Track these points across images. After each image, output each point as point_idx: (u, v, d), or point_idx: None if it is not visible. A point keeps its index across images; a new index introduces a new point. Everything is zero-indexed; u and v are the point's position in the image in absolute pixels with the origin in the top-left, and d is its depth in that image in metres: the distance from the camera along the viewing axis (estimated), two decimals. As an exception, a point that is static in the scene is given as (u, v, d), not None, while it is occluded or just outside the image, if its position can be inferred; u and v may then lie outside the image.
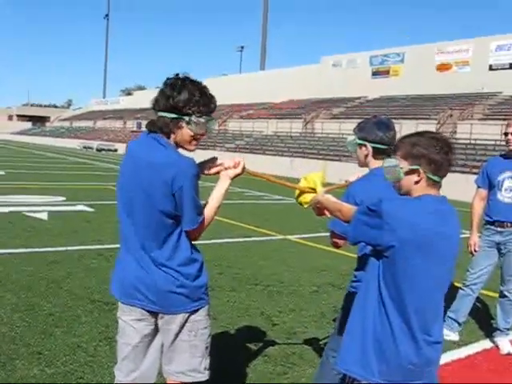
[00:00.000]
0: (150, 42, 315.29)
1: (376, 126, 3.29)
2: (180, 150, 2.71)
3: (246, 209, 14.46)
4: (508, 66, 35.32)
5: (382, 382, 2.36)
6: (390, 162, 2.47)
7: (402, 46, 42.43)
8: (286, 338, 4.97)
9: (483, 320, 5.98)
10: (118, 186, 2.74)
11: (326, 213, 2.88)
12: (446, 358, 4.85)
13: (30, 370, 3.96)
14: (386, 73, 42.68)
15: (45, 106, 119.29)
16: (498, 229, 5.19)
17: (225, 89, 56.04)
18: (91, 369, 4.03)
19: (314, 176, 3.08)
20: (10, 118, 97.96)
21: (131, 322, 2.73)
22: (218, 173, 2.92)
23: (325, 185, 3.06)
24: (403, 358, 2.34)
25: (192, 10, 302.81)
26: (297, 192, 3.14)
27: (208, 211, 2.80)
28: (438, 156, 2.36)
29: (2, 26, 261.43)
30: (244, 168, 2.91)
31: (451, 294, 5.95)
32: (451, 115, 32.56)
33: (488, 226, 5.29)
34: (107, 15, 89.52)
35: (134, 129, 54.77)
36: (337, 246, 3.22)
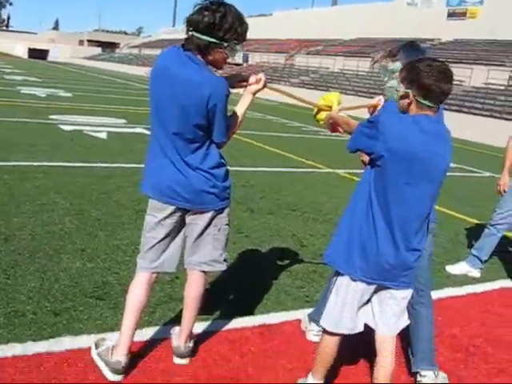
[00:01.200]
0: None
1: (414, 51, 3.40)
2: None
3: (300, 142, 14.65)
4: None
5: (361, 278, 2.67)
6: (392, 83, 2.68)
7: (483, -14, 40.47)
8: (312, 258, 5.28)
9: (505, 261, 6.10)
10: (152, 97, 2.99)
11: (339, 129, 3.11)
12: (461, 291, 5.08)
13: (73, 263, 4.47)
14: (463, 15, 40.95)
15: (115, 33, 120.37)
16: None
17: (295, 23, 55.33)
18: (126, 267, 4.49)
19: (331, 95, 3.29)
20: (81, 43, 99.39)
21: (161, 219, 3.07)
22: (241, 87, 3.16)
23: (340, 104, 3.26)
24: (382, 257, 2.62)
25: None
26: (315, 110, 3.36)
27: (234, 124, 3.08)
28: (428, 81, 2.53)
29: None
30: (265, 84, 3.14)
31: (477, 232, 6.11)
32: (526, 62, 31.22)
33: None
34: None
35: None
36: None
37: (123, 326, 3.11)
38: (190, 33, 2.87)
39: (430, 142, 2.54)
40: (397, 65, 3.36)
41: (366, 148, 2.67)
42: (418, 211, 2.63)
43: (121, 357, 3.04)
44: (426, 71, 2.54)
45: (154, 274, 3.18)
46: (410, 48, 3.45)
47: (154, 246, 3.12)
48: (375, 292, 2.79)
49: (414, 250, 2.68)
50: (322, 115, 3.29)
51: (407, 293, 2.80)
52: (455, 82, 30.65)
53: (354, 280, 2.72)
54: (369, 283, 2.71)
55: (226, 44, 2.86)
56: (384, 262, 2.64)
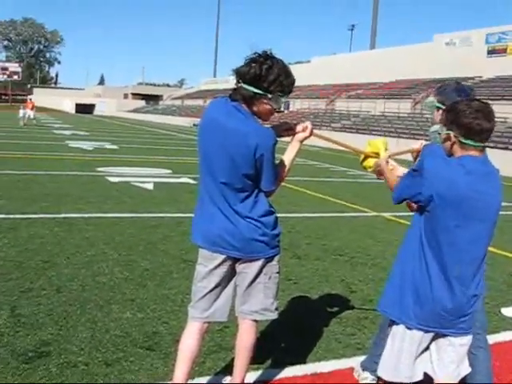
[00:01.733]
0: (259, 21, 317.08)
1: (456, 91, 3.40)
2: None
3: (344, 186, 14.61)
4: None
5: (416, 326, 2.59)
6: (435, 128, 2.68)
7: (522, 22, 40.24)
8: (361, 304, 5.19)
9: None
10: (201, 146, 3.04)
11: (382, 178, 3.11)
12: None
13: (123, 314, 4.51)
14: (503, 51, 40.62)
15: (158, 85, 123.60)
16: None
17: (334, 68, 55.83)
18: (176, 316, 4.50)
19: (378, 142, 3.28)
20: (126, 96, 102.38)
21: (211, 268, 3.09)
22: (289, 135, 3.20)
23: (387, 150, 3.26)
24: (437, 304, 2.55)
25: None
26: (362, 156, 3.35)
27: (282, 172, 3.10)
28: (467, 120, 2.51)
29: (119, 11, 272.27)
30: (312, 132, 3.16)
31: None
32: None
33: None
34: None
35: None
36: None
37: (175, 376, 3.10)
38: (239, 84, 2.95)
39: (476, 183, 2.50)
40: (433, 99, 3.37)
41: (411, 197, 2.66)
42: (472, 253, 2.57)
43: None
44: (464, 110, 2.54)
45: (206, 323, 3.18)
46: (453, 88, 3.44)
47: (205, 295, 3.12)
48: (433, 339, 2.71)
49: (472, 296, 2.60)
50: (370, 162, 3.28)
51: (467, 339, 2.71)
52: (500, 119, 30.37)
53: (410, 328, 2.65)
54: (426, 331, 2.64)
55: (270, 95, 2.91)
56: (440, 309, 2.56)
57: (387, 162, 3.17)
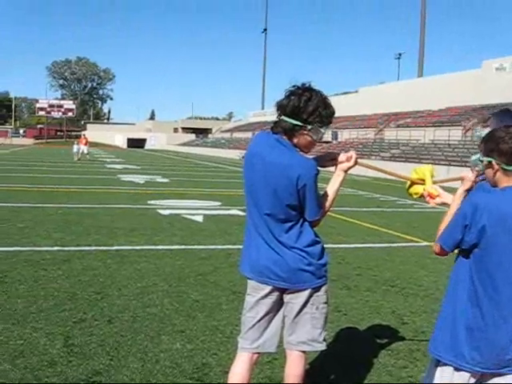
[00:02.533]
0: (306, 52, 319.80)
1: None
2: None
3: (394, 216, 14.41)
4: None
5: (472, 369, 2.51)
6: (474, 156, 2.65)
7: None
8: (413, 336, 5.08)
9: None
10: (246, 180, 3.11)
11: (433, 201, 3.08)
12: None
13: (173, 344, 4.54)
14: (556, 75, 39.82)
15: (207, 119, 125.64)
16: None
17: (382, 97, 55.67)
18: (225, 347, 4.50)
19: (424, 169, 3.27)
20: (176, 130, 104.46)
21: (259, 298, 3.10)
22: (333, 165, 3.20)
23: (433, 177, 3.23)
24: (496, 346, 2.47)
25: (350, 17, 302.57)
26: (408, 183, 3.34)
27: (327, 202, 3.11)
28: (507, 146, 2.48)
29: (169, 46, 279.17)
30: (356, 161, 3.17)
31: None
32: None
33: None
34: (265, 29, 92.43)
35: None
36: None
37: None
38: (279, 117, 3.00)
39: None
40: (485, 130, 3.33)
41: (465, 243, 2.54)
42: None
43: None
44: (502, 137, 2.50)
45: (256, 354, 3.17)
46: (501, 114, 3.40)
47: (254, 325, 3.13)
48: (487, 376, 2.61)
49: None
50: (416, 189, 3.26)
51: None
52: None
53: (459, 370, 2.56)
54: (478, 372, 2.54)
55: (309, 126, 2.94)
56: (500, 351, 2.48)
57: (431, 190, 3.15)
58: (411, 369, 4.37)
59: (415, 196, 3.29)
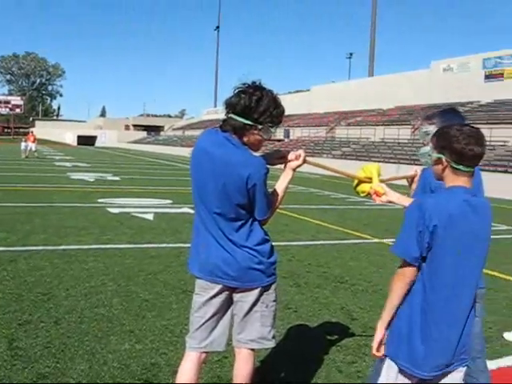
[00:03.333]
0: (258, 50, 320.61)
1: (458, 117, 3.43)
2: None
3: (346, 213, 14.58)
4: None
5: (431, 374, 2.53)
6: (424, 149, 2.69)
7: (518, 47, 40.57)
8: (362, 331, 5.15)
9: None
10: (194, 178, 3.08)
11: (379, 199, 3.11)
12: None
13: (122, 345, 4.48)
14: (500, 75, 40.93)
15: (159, 116, 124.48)
16: None
17: (333, 96, 56.22)
18: (175, 347, 4.46)
19: (371, 167, 3.30)
20: (127, 127, 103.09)
21: (208, 298, 3.08)
22: (281, 163, 3.21)
23: (380, 175, 3.27)
24: (447, 347, 2.52)
25: (301, 17, 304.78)
26: (355, 182, 3.36)
27: (276, 201, 3.10)
28: (459, 146, 2.50)
29: (120, 42, 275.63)
30: (305, 159, 3.18)
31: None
32: None
33: None
34: (218, 27, 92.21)
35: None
36: None
37: None
38: (229, 114, 2.97)
39: (469, 216, 2.49)
40: (431, 128, 3.39)
41: (419, 241, 2.49)
42: (470, 288, 2.56)
43: None
44: (456, 136, 2.52)
45: (204, 353, 3.16)
46: (446, 113, 3.47)
47: (202, 325, 3.11)
48: None
49: (469, 327, 2.58)
50: (363, 187, 3.29)
51: (463, 369, 2.66)
52: (499, 143, 30.45)
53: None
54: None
55: (260, 126, 2.94)
56: (451, 350, 2.53)
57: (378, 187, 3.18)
58: (359, 364, 4.42)
59: (362, 194, 3.32)
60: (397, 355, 2.57)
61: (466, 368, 2.66)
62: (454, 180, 2.56)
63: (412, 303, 2.56)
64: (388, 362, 2.64)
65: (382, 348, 2.60)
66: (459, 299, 2.53)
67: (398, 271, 2.55)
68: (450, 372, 2.60)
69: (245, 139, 2.98)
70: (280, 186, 3.16)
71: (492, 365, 4.47)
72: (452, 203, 2.49)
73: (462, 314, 2.55)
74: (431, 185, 3.20)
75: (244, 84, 2.99)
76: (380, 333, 2.60)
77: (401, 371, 2.57)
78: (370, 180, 3.25)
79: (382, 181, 3.24)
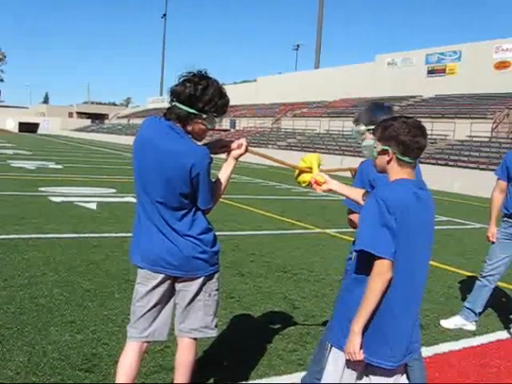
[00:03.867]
0: (206, 40, 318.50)
1: (382, 110, 3.50)
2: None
3: (289, 204, 14.71)
4: None
5: (388, 364, 2.59)
6: (368, 142, 2.74)
7: (459, 43, 41.65)
8: (304, 320, 5.23)
9: (500, 312, 6.07)
10: (137, 167, 3.05)
11: (320, 188, 3.15)
12: (458, 345, 5.03)
13: (62, 336, 4.41)
14: (442, 71, 41.91)
15: (104, 104, 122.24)
16: None
17: (279, 87, 56.43)
18: (116, 337, 4.43)
19: (312, 157, 3.34)
20: (71, 115, 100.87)
21: (151, 288, 3.08)
22: (224, 152, 3.22)
23: (320, 165, 3.31)
24: (404, 339, 2.60)
25: (250, 8, 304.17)
26: (296, 172, 3.40)
27: (218, 190, 3.12)
28: (406, 138, 2.58)
29: (64, 27, 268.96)
30: (247, 148, 3.20)
31: (470, 284, 6.10)
32: (508, 115, 31.85)
33: (505, 219, 5.41)
34: (165, 15, 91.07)
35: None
36: (353, 226, 3.36)
37: None
38: (173, 103, 2.96)
39: (419, 208, 2.56)
40: (362, 127, 3.48)
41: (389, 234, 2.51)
42: (423, 278, 2.64)
43: None
44: (402, 128, 2.59)
45: (145, 343, 3.16)
46: (372, 108, 3.55)
47: (144, 314, 3.11)
48: None
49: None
50: (304, 177, 3.33)
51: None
52: (440, 137, 31.10)
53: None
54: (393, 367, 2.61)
55: (204, 115, 2.94)
56: (408, 343, 2.61)
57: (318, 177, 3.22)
58: (301, 352, 4.49)
59: (303, 184, 3.36)
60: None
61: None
62: (399, 172, 2.63)
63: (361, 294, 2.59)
64: (335, 351, 2.70)
65: (361, 352, 2.55)
66: (414, 292, 2.61)
67: (374, 272, 2.48)
68: (406, 361, 2.68)
69: (189, 128, 2.97)
70: (223, 175, 3.17)
71: (429, 351, 4.63)
72: (406, 196, 2.55)
73: (416, 305, 2.64)
74: (369, 177, 3.27)
75: (189, 73, 2.98)
76: (359, 337, 2.52)
77: (349, 360, 2.61)
78: (310, 170, 3.29)
79: (322, 171, 3.29)
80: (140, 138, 3.04)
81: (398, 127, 2.60)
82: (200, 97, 2.90)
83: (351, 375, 2.66)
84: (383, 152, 2.65)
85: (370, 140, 2.73)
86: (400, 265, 2.51)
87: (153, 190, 2.96)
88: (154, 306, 3.11)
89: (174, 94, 2.96)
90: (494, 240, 5.41)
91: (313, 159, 3.30)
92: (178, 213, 2.97)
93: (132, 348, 3.13)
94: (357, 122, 3.53)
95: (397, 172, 2.64)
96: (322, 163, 3.35)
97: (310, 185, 3.30)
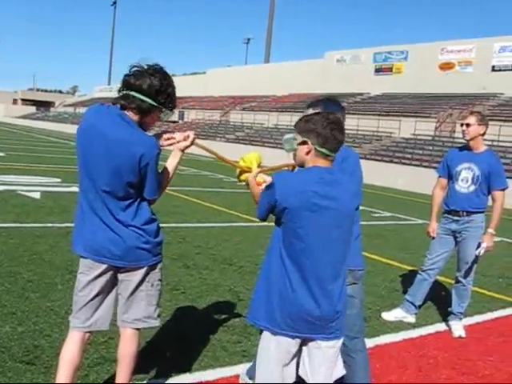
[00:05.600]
0: (156, 30, 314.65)
1: (334, 105, 3.58)
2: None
3: (236, 197, 14.73)
4: (511, 68, 35.36)
5: (281, 331, 2.70)
6: (289, 135, 2.85)
7: (406, 43, 42.51)
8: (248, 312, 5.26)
9: (439, 305, 6.27)
10: (82, 155, 3.01)
11: (259, 188, 3.19)
12: (398, 337, 5.18)
13: (3, 328, 4.32)
14: (389, 70, 42.74)
15: (50, 92, 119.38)
16: (455, 217, 5.47)
17: (229, 80, 56.39)
18: (59, 329, 4.37)
19: (251, 156, 3.36)
20: (15, 101, 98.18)
21: (93, 277, 3.06)
22: (170, 145, 3.22)
23: (260, 164, 3.34)
24: (302, 310, 2.67)
25: (202, 0, 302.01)
26: (237, 171, 3.43)
27: (164, 180, 3.14)
28: (324, 131, 2.71)
29: (9, 10, 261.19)
30: (193, 141, 3.21)
31: (411, 278, 6.28)
32: (451, 114, 32.73)
33: (445, 215, 5.59)
34: (115, 3, 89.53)
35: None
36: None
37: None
38: (130, 93, 2.96)
39: (325, 190, 2.67)
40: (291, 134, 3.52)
41: (268, 211, 2.78)
42: (328, 259, 2.71)
43: None
44: (322, 121, 2.73)
45: (88, 333, 3.14)
46: (327, 104, 3.62)
47: (86, 304, 3.09)
48: (304, 344, 2.81)
49: (333, 301, 2.73)
50: (245, 176, 3.34)
51: (335, 342, 2.82)
52: (385, 134, 31.72)
53: (275, 334, 2.73)
54: (293, 337, 2.73)
55: (163, 108, 3.02)
56: (306, 315, 2.68)
57: (256, 178, 3.26)
58: (245, 343, 4.54)
59: (244, 183, 3.38)
60: (256, 317, 2.82)
61: (337, 343, 2.83)
62: (316, 162, 2.76)
63: (271, 270, 2.77)
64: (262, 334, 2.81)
65: None
66: (312, 273, 2.70)
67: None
68: (314, 340, 2.76)
69: (143, 119, 3.00)
70: (169, 166, 3.18)
71: (370, 343, 4.74)
72: (304, 180, 2.70)
73: (317, 288, 2.71)
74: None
75: (147, 65, 3.00)
76: None
77: (273, 334, 2.73)
78: (250, 169, 3.32)
79: (263, 170, 3.31)
80: (86, 124, 3.01)
81: (317, 120, 2.74)
82: (164, 91, 2.97)
83: (277, 357, 2.77)
84: (303, 143, 2.77)
85: (290, 134, 2.84)
86: (296, 238, 2.67)
87: (99, 179, 2.93)
88: (97, 296, 3.09)
89: (132, 85, 2.96)
90: (435, 235, 5.58)
91: (252, 159, 3.32)
92: (123, 203, 2.96)
93: (74, 338, 3.11)
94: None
95: (313, 162, 2.77)
96: (263, 161, 3.37)
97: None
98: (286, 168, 3.47)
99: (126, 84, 2.98)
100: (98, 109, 3.06)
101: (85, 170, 3.00)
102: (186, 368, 3.99)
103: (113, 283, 3.13)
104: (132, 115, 2.97)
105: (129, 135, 2.90)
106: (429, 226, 5.66)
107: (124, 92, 2.99)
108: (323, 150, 2.73)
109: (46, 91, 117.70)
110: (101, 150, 2.90)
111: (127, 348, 3.17)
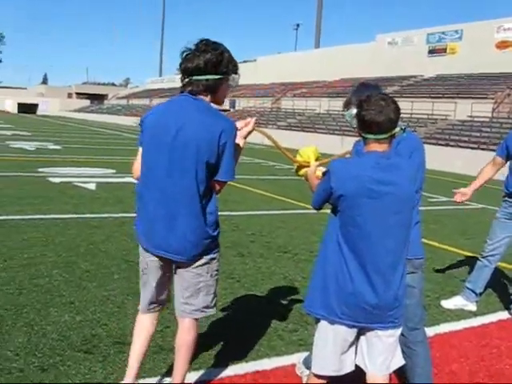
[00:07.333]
0: (204, 20, 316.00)
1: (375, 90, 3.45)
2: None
3: (289, 184, 14.65)
4: None
5: (338, 320, 2.64)
6: (351, 112, 2.83)
7: (461, 23, 41.32)
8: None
9: (501, 292, 6.05)
10: (152, 144, 2.95)
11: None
12: (459, 325, 5.02)
13: (62, 317, 4.39)
14: (443, 51, 41.65)
15: (103, 85, 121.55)
16: None
17: (279, 67, 56.12)
18: (116, 318, 4.41)
19: (308, 150, 3.28)
20: (70, 96, 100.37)
21: (153, 266, 3.12)
22: None
23: (318, 158, 3.26)
24: (360, 299, 2.60)
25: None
26: (295, 166, 3.35)
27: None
28: (363, 115, 2.64)
29: (63, 9, 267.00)
30: (254, 126, 3.18)
31: (470, 264, 6.09)
32: (509, 95, 31.67)
33: (506, 198, 5.36)
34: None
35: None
36: None
37: (132, 351, 3.23)
38: (193, 78, 2.94)
39: (381, 175, 2.58)
40: (353, 110, 3.41)
41: (325, 199, 2.73)
42: (387, 246, 2.62)
43: (128, 379, 3.16)
44: (363, 106, 2.64)
45: (154, 313, 3.29)
46: (359, 89, 3.49)
47: (150, 289, 3.19)
48: (362, 333, 2.74)
49: (395, 289, 2.64)
50: (304, 171, 3.27)
51: (394, 331, 2.74)
52: (440, 117, 30.92)
53: (332, 323, 2.68)
54: (350, 326, 2.67)
55: (229, 76, 3.01)
56: (363, 304, 2.61)
57: (315, 172, 3.18)
58: (301, 332, 4.48)
59: (304, 178, 3.30)
60: (313, 306, 2.80)
61: (396, 332, 2.74)
62: (370, 147, 2.69)
63: (327, 257, 2.73)
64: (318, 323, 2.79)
65: None
66: (371, 260, 2.63)
67: None
68: (373, 329, 2.70)
69: (215, 96, 3.00)
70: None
71: (430, 331, 4.60)
72: (359, 167, 2.64)
73: (376, 276, 2.64)
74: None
75: (194, 44, 2.97)
76: None
77: (330, 323, 2.70)
78: (308, 164, 3.24)
79: (322, 163, 3.23)
80: (158, 116, 2.99)
81: (360, 105, 2.68)
82: (221, 60, 2.95)
83: (334, 346, 2.73)
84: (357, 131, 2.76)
85: (352, 110, 2.79)
86: (353, 225, 2.61)
87: (173, 167, 2.88)
88: (158, 281, 3.16)
89: (191, 70, 2.93)
90: (460, 199, 5.28)
91: (310, 153, 3.25)
92: (185, 195, 2.90)
93: (143, 317, 3.27)
94: (348, 105, 3.45)
95: (368, 148, 2.71)
96: (319, 153, 3.29)
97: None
98: (344, 157, 3.38)
99: (185, 70, 2.96)
100: (177, 101, 3.01)
101: (154, 160, 2.95)
102: (242, 357, 3.95)
103: (171, 270, 3.17)
104: (204, 97, 2.95)
105: (210, 117, 2.90)
106: (460, 190, 5.27)
107: (187, 79, 2.96)
108: (367, 136, 2.67)
109: (99, 84, 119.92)
110: (178, 136, 2.86)
111: (185, 337, 3.16)
